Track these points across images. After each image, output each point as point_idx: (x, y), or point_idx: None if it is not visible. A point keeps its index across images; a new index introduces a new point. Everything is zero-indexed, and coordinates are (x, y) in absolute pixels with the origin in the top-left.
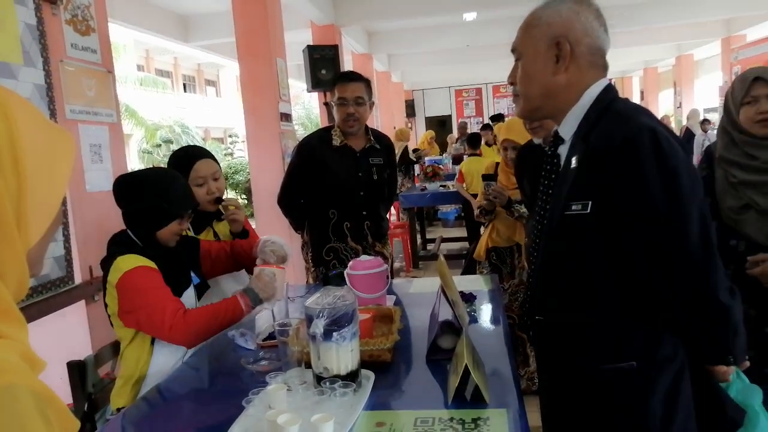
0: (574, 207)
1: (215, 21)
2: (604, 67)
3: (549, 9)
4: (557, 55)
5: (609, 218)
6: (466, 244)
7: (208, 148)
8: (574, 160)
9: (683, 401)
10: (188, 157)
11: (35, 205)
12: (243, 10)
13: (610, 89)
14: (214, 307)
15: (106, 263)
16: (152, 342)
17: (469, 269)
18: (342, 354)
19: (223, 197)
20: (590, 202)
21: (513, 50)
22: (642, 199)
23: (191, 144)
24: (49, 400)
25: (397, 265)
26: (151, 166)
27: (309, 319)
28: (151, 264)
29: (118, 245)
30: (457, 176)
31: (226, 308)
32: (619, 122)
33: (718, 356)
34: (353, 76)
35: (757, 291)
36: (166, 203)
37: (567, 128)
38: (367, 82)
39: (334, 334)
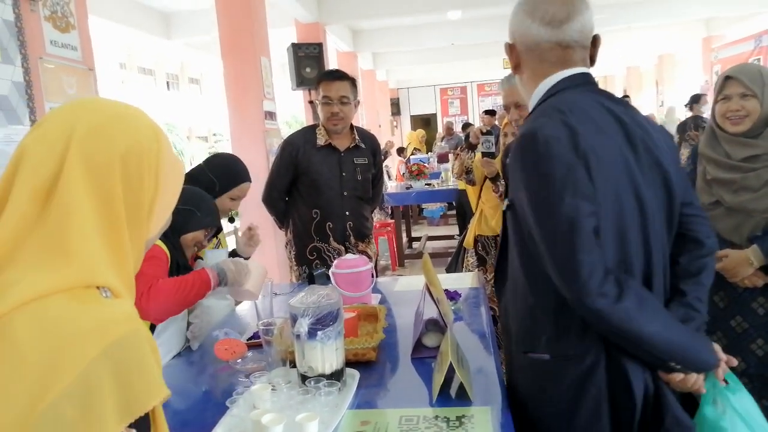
0: (506, 203)
1: (198, 18)
2: (559, 61)
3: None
4: (510, 56)
5: (514, 215)
6: (451, 242)
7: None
8: None
9: (591, 394)
10: (245, 174)
11: (161, 207)
12: (226, 7)
13: (558, 85)
14: (180, 279)
15: None
16: None
17: (457, 259)
18: (327, 353)
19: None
20: (507, 200)
21: None
22: (523, 199)
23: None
24: (155, 347)
25: (382, 263)
26: None
27: (293, 318)
28: (164, 248)
29: None
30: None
31: (193, 281)
32: (527, 122)
33: (652, 362)
34: (338, 75)
35: (725, 284)
36: (198, 211)
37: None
38: (353, 81)
39: (319, 332)
